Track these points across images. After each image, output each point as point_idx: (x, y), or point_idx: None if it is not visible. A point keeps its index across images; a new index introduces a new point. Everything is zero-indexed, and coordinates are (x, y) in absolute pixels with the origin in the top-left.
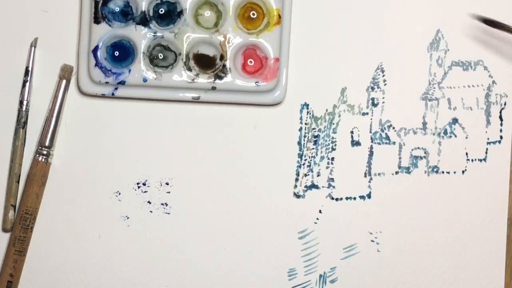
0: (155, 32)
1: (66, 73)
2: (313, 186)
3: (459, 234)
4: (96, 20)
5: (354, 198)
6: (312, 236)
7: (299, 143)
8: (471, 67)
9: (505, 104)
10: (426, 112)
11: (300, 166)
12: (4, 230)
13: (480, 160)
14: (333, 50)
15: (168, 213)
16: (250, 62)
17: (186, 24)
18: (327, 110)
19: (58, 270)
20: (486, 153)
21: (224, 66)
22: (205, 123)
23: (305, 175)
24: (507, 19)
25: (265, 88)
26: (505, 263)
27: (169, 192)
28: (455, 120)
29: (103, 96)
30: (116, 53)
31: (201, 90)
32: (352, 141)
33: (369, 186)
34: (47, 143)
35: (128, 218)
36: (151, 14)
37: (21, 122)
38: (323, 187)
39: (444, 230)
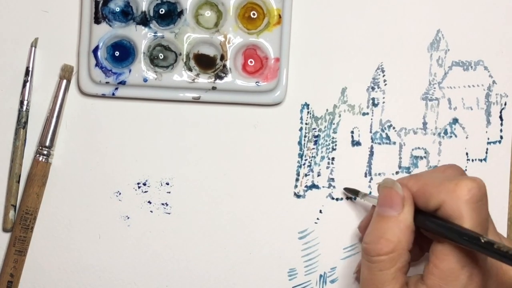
0: (155, 32)
1: (66, 73)
2: (314, 186)
3: None
4: (97, 20)
5: (354, 198)
6: (312, 236)
7: (299, 143)
8: (471, 67)
9: (505, 104)
10: (426, 112)
11: (300, 166)
12: (5, 230)
13: (480, 160)
14: (333, 50)
15: (168, 213)
16: (251, 62)
17: (187, 24)
18: (327, 110)
19: (58, 270)
20: (486, 153)
21: (224, 66)
22: (205, 123)
23: (306, 175)
24: (507, 19)
25: (265, 88)
26: None
27: (169, 192)
28: (455, 120)
29: (103, 96)
30: (117, 53)
31: (201, 90)
32: (353, 141)
33: (369, 186)
34: (47, 143)
35: (128, 218)
36: (151, 14)
37: (22, 122)
38: (323, 187)
39: None
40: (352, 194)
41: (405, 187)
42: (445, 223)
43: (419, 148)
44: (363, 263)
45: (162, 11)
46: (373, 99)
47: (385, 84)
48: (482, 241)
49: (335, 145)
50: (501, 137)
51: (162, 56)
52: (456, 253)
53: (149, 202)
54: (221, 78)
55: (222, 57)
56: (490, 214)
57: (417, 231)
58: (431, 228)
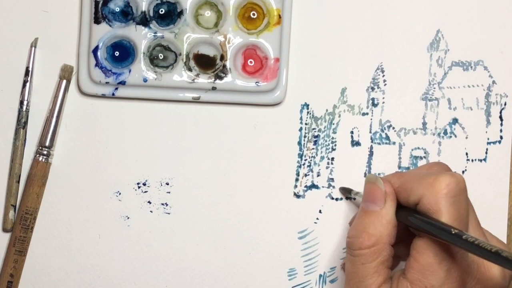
0: (155, 32)
1: (66, 73)
2: (313, 186)
3: None
4: (96, 20)
5: (354, 199)
6: (312, 236)
7: (299, 143)
8: (471, 67)
9: (505, 104)
10: (426, 112)
11: (300, 166)
12: (4, 230)
13: (480, 160)
14: (333, 50)
15: (168, 213)
16: (250, 62)
17: (186, 24)
18: (327, 110)
19: (58, 270)
20: (486, 153)
21: (224, 66)
22: (205, 123)
23: (305, 175)
24: (507, 19)
25: (265, 88)
26: None
27: (169, 192)
28: (455, 120)
29: (103, 96)
30: (116, 53)
31: (201, 90)
32: (352, 141)
33: None
34: (47, 143)
35: (128, 218)
36: (151, 14)
37: (21, 122)
38: (323, 187)
39: None
40: (346, 193)
41: (388, 183)
42: (423, 217)
43: (418, 148)
44: (347, 257)
45: (162, 11)
46: (372, 99)
47: (385, 84)
48: (453, 232)
49: (335, 145)
50: (501, 137)
51: (162, 56)
52: (434, 247)
53: (149, 202)
54: (221, 78)
55: (222, 57)
56: (489, 214)
57: (406, 228)
58: (411, 222)
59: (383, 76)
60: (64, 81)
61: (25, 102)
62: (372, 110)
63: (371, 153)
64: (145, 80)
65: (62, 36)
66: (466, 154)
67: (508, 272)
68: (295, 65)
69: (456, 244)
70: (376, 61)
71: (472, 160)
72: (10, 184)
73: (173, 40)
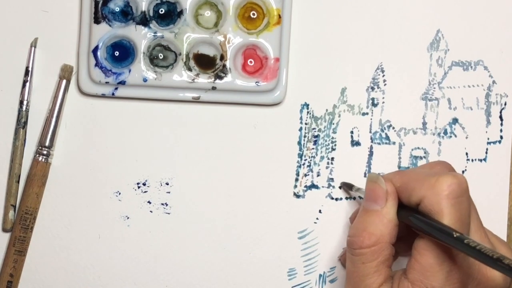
0: (155, 32)
1: (66, 73)
2: (313, 186)
3: None
4: (96, 20)
5: (354, 198)
6: (312, 236)
7: (299, 143)
8: (471, 67)
9: (505, 104)
10: (426, 112)
11: (300, 166)
12: (4, 230)
13: (480, 160)
14: (333, 50)
15: (168, 213)
16: (250, 62)
17: (186, 24)
18: (327, 110)
19: (58, 270)
20: (486, 153)
21: (224, 66)
22: (205, 123)
23: (305, 175)
24: (507, 19)
25: (265, 88)
26: None
27: (169, 192)
28: (455, 120)
29: (103, 96)
30: (116, 53)
31: (201, 90)
32: (352, 141)
33: None
34: (47, 143)
35: (128, 218)
36: (151, 14)
37: (21, 122)
38: (323, 187)
39: None
40: (347, 188)
41: (389, 182)
42: (425, 218)
43: (418, 148)
44: (347, 256)
45: (161, 11)
46: (372, 99)
47: (385, 84)
48: (454, 236)
49: (335, 145)
50: (501, 137)
51: (162, 56)
52: (435, 248)
53: (149, 202)
54: (221, 78)
55: (222, 57)
56: (489, 214)
57: (405, 225)
58: (412, 222)
59: (383, 76)
60: (64, 81)
61: (25, 102)
62: (372, 110)
63: (371, 153)
64: (145, 80)
65: (62, 36)
66: (466, 154)
67: None
68: (295, 65)
69: (457, 248)
70: (376, 61)
71: (472, 160)
72: (10, 184)
73: (173, 40)
